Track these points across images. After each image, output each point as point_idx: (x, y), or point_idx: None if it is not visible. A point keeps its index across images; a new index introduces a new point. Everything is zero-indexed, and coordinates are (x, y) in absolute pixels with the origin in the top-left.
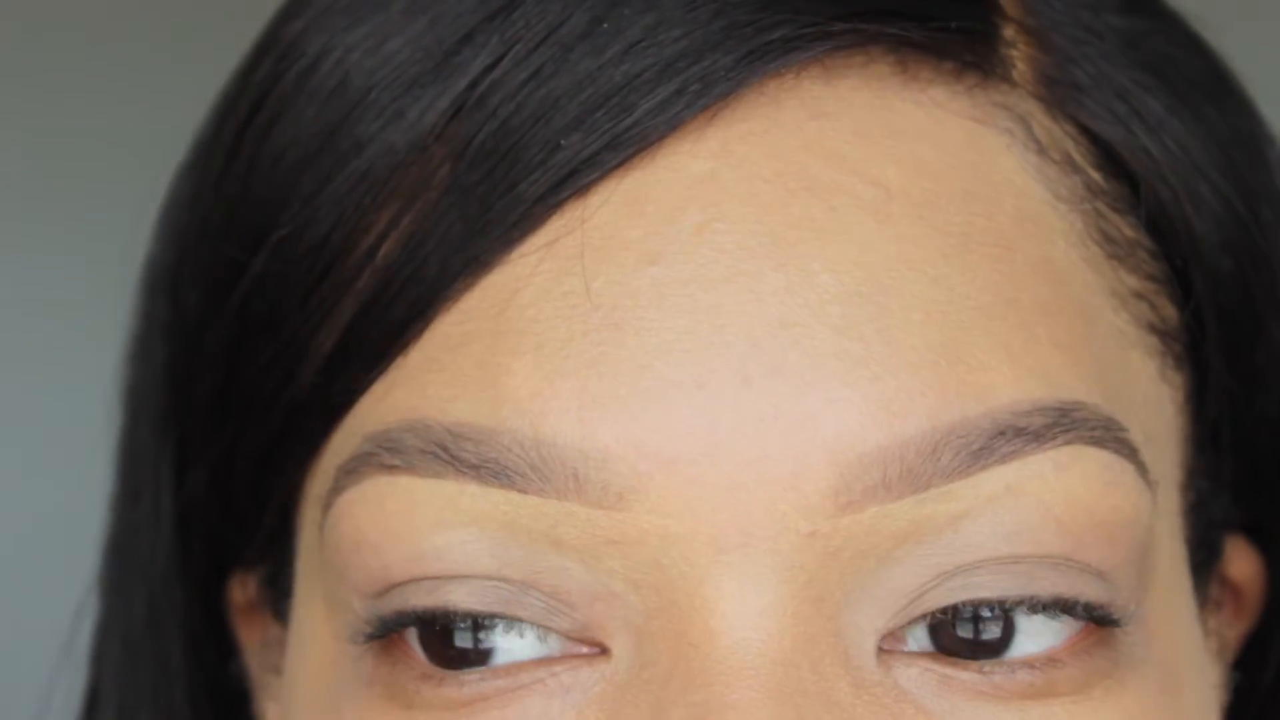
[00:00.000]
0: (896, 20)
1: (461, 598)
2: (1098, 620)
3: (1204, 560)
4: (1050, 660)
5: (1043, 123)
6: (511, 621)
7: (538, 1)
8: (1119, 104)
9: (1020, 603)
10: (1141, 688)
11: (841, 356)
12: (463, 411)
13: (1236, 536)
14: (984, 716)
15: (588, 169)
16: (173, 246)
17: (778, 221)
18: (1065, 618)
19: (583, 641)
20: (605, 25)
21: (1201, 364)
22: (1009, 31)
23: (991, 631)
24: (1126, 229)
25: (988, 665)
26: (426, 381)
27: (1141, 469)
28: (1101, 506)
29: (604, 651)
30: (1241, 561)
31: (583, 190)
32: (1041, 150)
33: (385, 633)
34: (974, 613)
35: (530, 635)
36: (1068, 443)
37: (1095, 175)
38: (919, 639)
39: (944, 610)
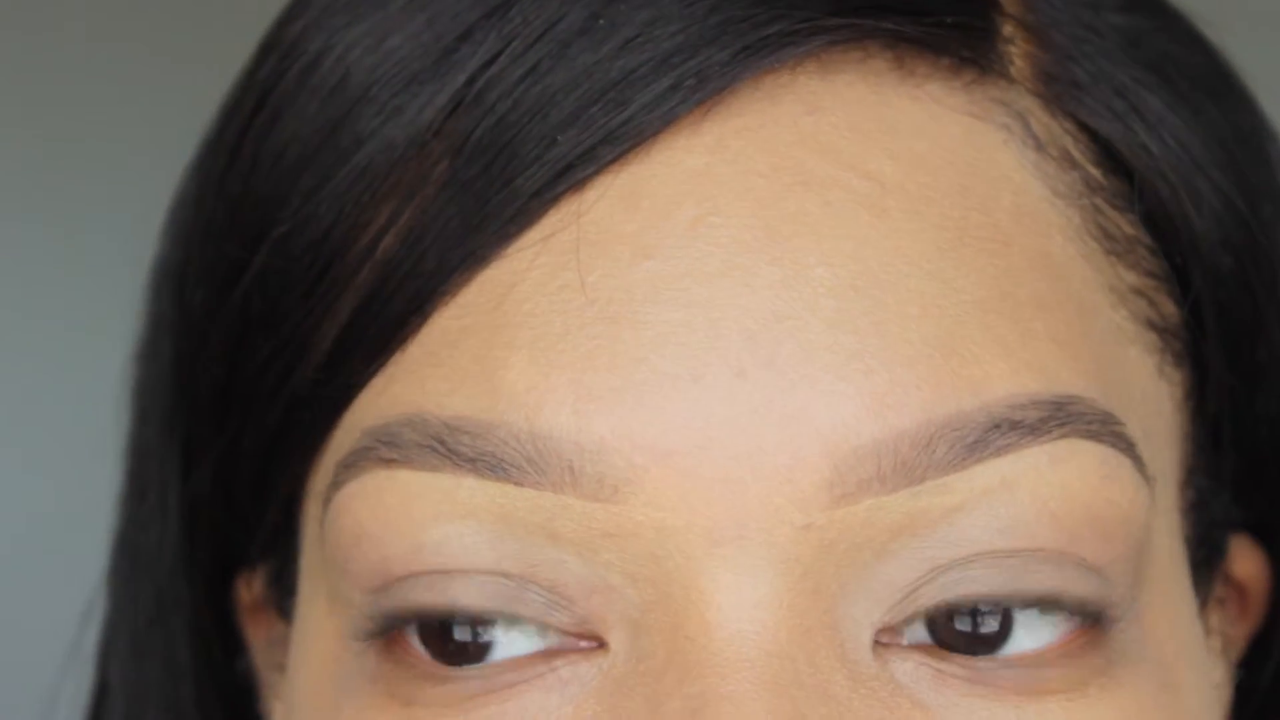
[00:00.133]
0: (893, 15)
1: (464, 596)
2: (1092, 617)
3: (1205, 558)
4: (1045, 657)
5: (1041, 119)
6: (512, 619)
7: None
8: (1118, 101)
9: (1012, 597)
10: (1138, 685)
11: (836, 350)
12: (460, 405)
13: (1240, 536)
14: (979, 711)
15: (584, 164)
16: (179, 246)
17: (772, 216)
18: (1059, 614)
19: (581, 636)
20: (602, 21)
21: (1201, 361)
22: (1008, 28)
23: (989, 625)
24: (1125, 225)
25: (983, 661)
26: (424, 376)
27: (1139, 464)
28: (1097, 501)
29: (602, 645)
30: (1245, 560)
31: (579, 185)
32: (1039, 146)
33: (387, 629)
34: (972, 607)
35: (530, 630)
36: (1063, 436)
37: (1094, 171)
38: (916, 633)
39: (940, 606)
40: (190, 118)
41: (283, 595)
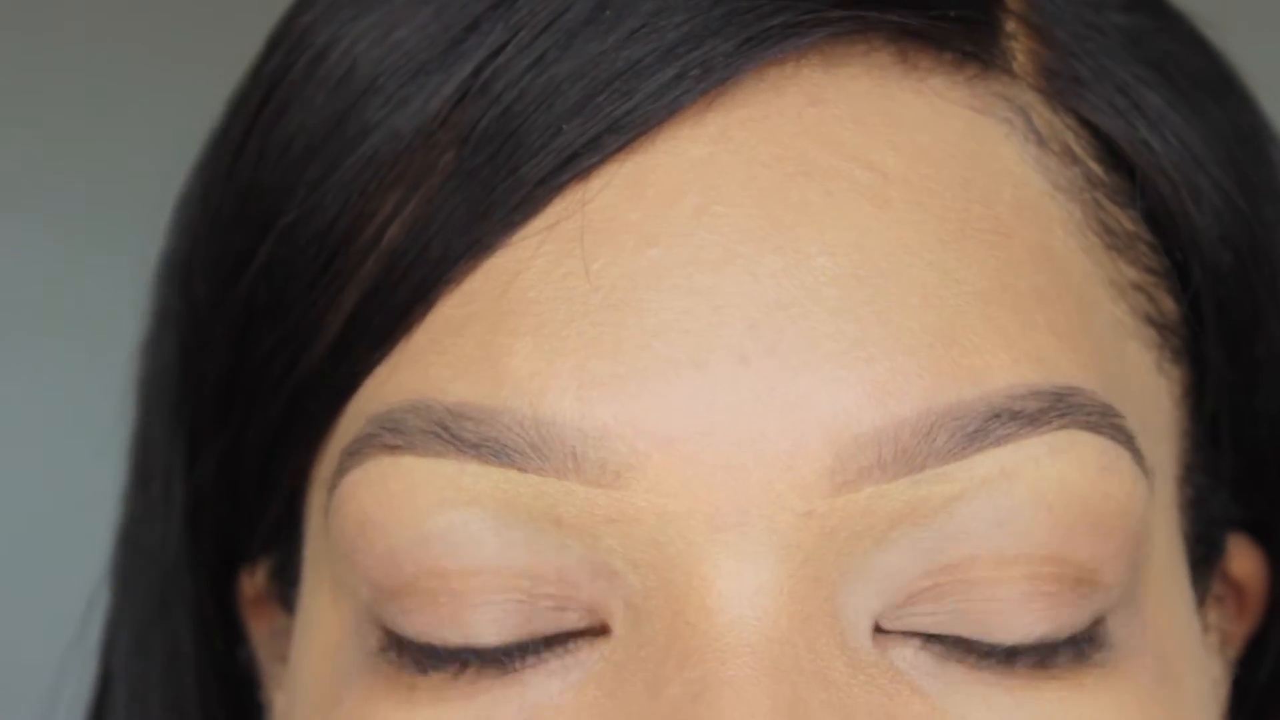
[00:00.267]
0: (896, 8)
1: (482, 630)
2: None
3: (1204, 556)
4: (1044, 646)
5: (1042, 114)
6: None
7: None
8: (1119, 98)
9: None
10: (1136, 676)
11: (838, 338)
12: (464, 391)
13: (1239, 535)
14: (977, 698)
15: (588, 153)
16: (184, 240)
17: (776, 205)
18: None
19: (586, 622)
20: (608, 12)
21: (1200, 358)
22: (1010, 24)
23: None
24: (1126, 221)
25: (983, 646)
26: (429, 363)
27: (1138, 456)
28: (1094, 494)
29: (604, 631)
30: (1243, 559)
31: (584, 174)
32: (1041, 141)
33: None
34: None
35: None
36: (1063, 427)
37: (1095, 167)
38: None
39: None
40: (190, 117)
41: (285, 587)
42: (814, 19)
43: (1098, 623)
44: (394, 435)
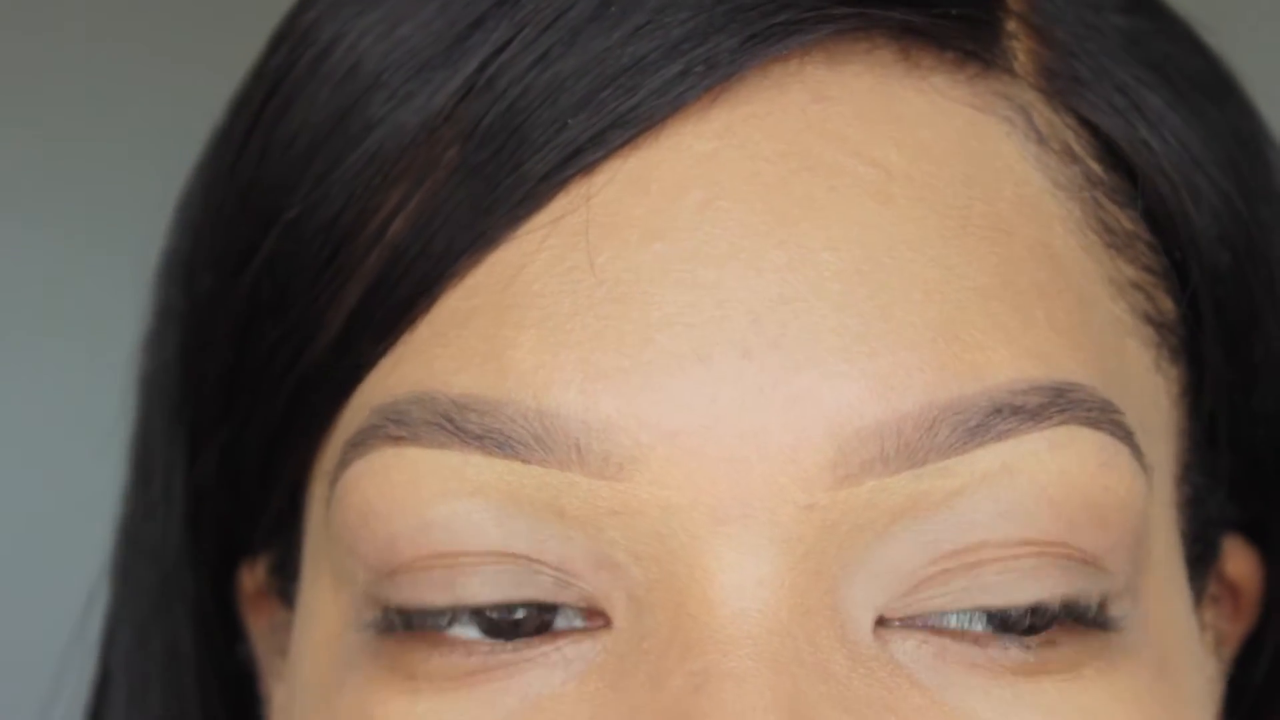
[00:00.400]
0: (899, 6)
1: (474, 589)
2: (1097, 625)
3: (1200, 555)
4: (1045, 640)
5: (1043, 113)
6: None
7: None
8: (1119, 98)
9: (1025, 613)
10: (1135, 670)
11: (841, 332)
12: (468, 383)
13: (1235, 536)
14: (976, 691)
15: (593, 147)
16: (187, 237)
17: (779, 200)
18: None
19: (588, 613)
20: (613, 9)
21: (1198, 358)
22: (1011, 24)
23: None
24: (1125, 221)
25: (983, 638)
26: (433, 355)
27: (1136, 452)
28: (1095, 487)
29: (606, 623)
30: (1239, 560)
31: (588, 168)
32: (1041, 140)
33: (392, 627)
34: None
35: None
36: (1063, 423)
37: (1095, 166)
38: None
39: (947, 611)
40: (190, 117)
41: (285, 582)
42: (817, 16)
43: (1103, 605)
44: (398, 426)
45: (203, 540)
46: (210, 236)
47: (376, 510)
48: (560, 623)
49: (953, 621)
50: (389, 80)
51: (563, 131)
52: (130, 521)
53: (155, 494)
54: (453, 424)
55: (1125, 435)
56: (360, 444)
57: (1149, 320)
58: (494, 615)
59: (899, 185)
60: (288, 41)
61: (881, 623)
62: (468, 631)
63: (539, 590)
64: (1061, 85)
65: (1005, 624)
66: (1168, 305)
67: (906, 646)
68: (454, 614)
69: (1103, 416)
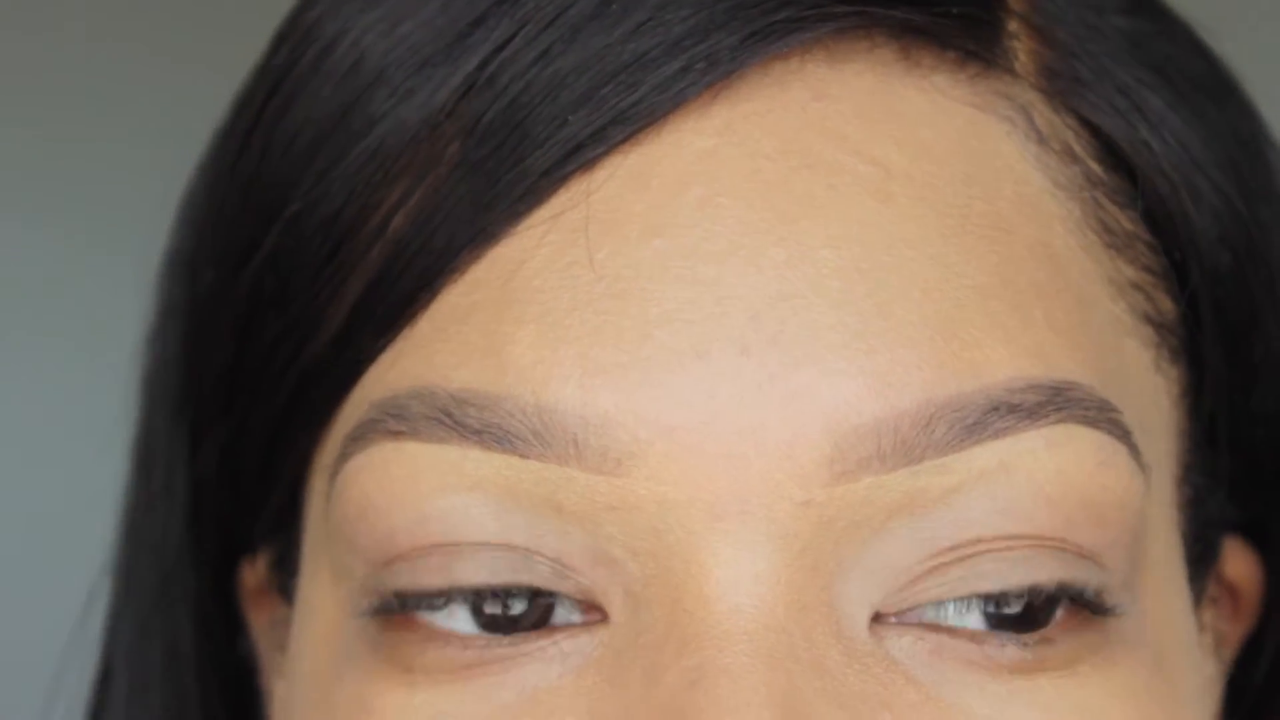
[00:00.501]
0: (900, 5)
1: (469, 572)
2: (1093, 608)
3: (1200, 555)
4: (1042, 636)
5: (1043, 113)
6: (519, 590)
7: None
8: (1120, 99)
9: (1023, 594)
10: (1132, 668)
11: (839, 329)
12: (467, 378)
13: (1235, 538)
14: (971, 688)
15: (594, 144)
16: (189, 234)
17: (779, 198)
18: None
19: (585, 606)
20: (614, 6)
21: (1198, 359)
22: (1013, 24)
23: (1014, 606)
24: (1125, 221)
25: (979, 635)
26: (433, 350)
27: (1134, 451)
28: (1092, 486)
29: (604, 618)
30: (1239, 562)
31: (589, 165)
32: (1041, 140)
33: (396, 611)
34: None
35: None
36: (1060, 421)
37: (1095, 167)
38: (922, 613)
39: (944, 600)
40: (191, 117)
41: (285, 578)
42: (818, 14)
43: (1097, 612)
44: (397, 421)
45: (204, 536)
46: (212, 233)
47: (375, 504)
48: (558, 617)
49: (950, 612)
50: (391, 77)
51: (564, 128)
52: (132, 517)
53: (156, 490)
54: (451, 419)
55: (1123, 434)
56: (359, 438)
57: (1149, 320)
58: (491, 610)
59: (898, 184)
60: (290, 39)
61: (877, 619)
62: (464, 625)
63: (536, 578)
64: (1062, 85)
65: (1001, 619)
66: (1167, 306)
67: (902, 643)
68: (449, 598)
69: (1100, 415)
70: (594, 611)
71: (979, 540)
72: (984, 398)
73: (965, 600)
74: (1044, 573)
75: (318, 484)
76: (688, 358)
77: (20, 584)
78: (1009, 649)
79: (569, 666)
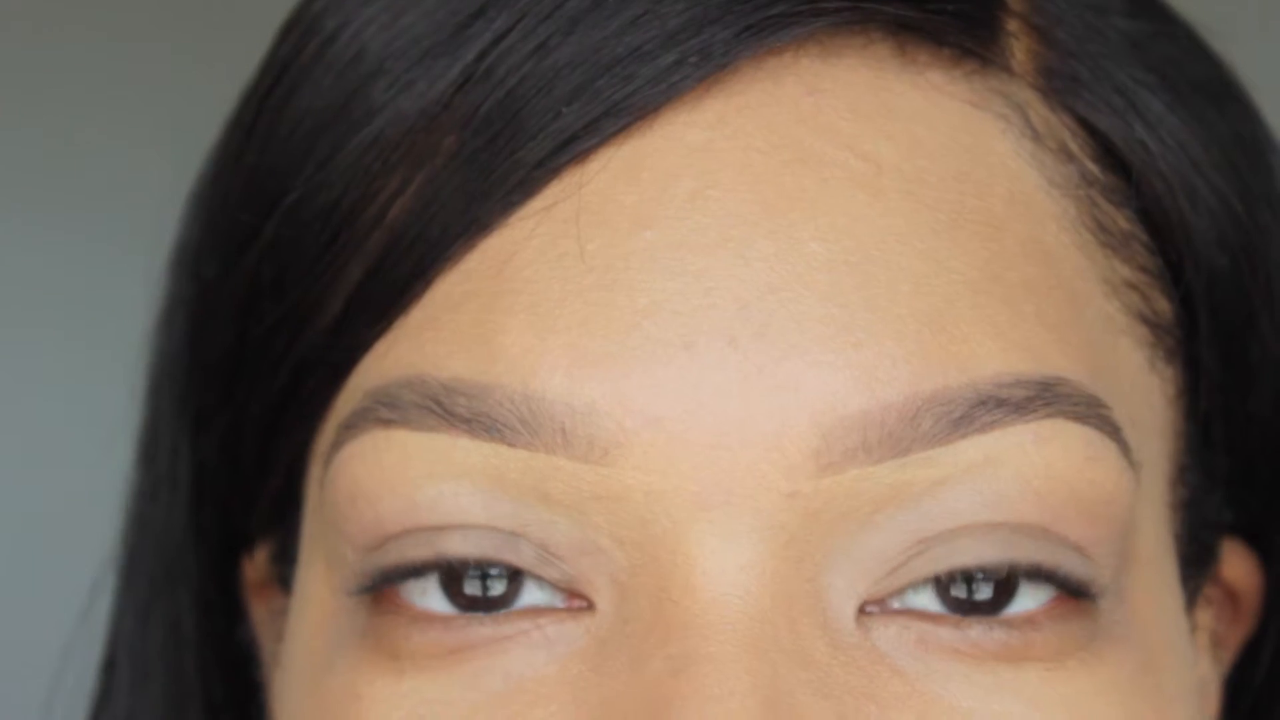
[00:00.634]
0: (895, 1)
1: (455, 545)
2: (1074, 594)
3: (1195, 556)
4: (1028, 622)
5: (1040, 111)
6: (504, 567)
7: None
8: (1118, 99)
9: (1000, 568)
10: (1119, 663)
11: (827, 322)
12: (458, 367)
13: (1233, 541)
14: (957, 678)
15: (586, 136)
16: (195, 226)
17: (770, 191)
18: (1046, 584)
19: (570, 594)
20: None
21: (1194, 360)
22: (1012, 24)
23: (983, 592)
24: (1121, 220)
25: (965, 621)
26: (425, 339)
27: (1124, 448)
28: (1080, 480)
29: (589, 606)
30: (1238, 565)
31: (581, 157)
32: (1037, 138)
33: (378, 585)
34: (964, 575)
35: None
36: (1049, 416)
37: (1091, 166)
38: (907, 599)
39: (929, 579)
40: (192, 116)
41: (284, 569)
42: (812, 9)
43: (1085, 603)
44: (389, 409)
45: (206, 525)
46: (217, 223)
47: (365, 491)
48: (540, 598)
49: (929, 594)
50: (391, 68)
51: (557, 119)
52: (135, 506)
53: (160, 479)
54: (442, 407)
55: (1113, 430)
56: (352, 426)
57: (1144, 320)
58: (471, 591)
59: (890, 179)
60: (295, 30)
61: (864, 610)
62: (445, 605)
63: (521, 560)
64: (1060, 85)
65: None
66: (1163, 306)
67: (888, 634)
68: (434, 568)
69: (1089, 411)
70: (579, 599)
71: (963, 528)
72: (971, 391)
73: (944, 580)
74: (1022, 553)
75: (315, 472)
76: (675, 348)
77: (20, 583)
78: (995, 632)
79: (555, 654)
